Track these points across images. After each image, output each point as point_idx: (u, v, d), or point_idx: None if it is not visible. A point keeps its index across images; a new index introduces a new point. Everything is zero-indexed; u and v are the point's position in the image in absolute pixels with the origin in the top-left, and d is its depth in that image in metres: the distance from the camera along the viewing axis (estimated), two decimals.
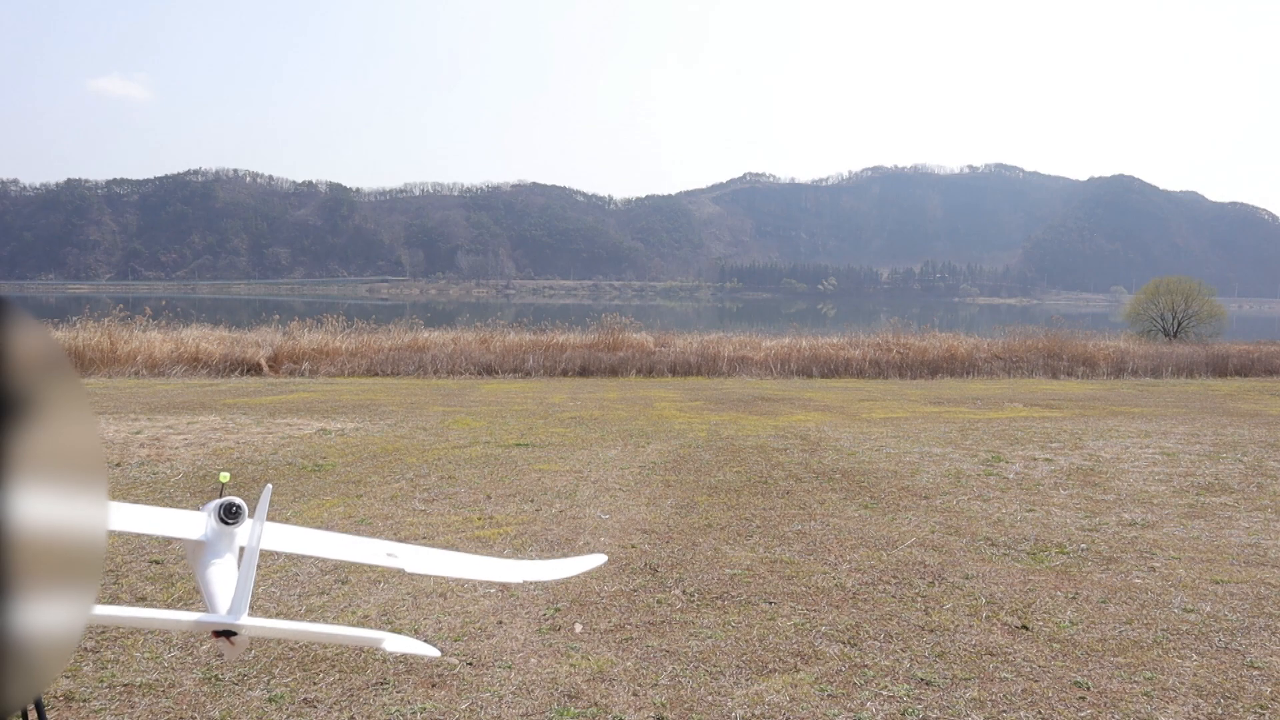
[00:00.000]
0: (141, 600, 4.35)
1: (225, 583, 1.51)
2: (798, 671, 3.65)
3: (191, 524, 1.73)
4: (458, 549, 5.28)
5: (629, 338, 21.25)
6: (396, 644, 1.48)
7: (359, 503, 6.35)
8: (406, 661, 3.70)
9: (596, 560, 2.09)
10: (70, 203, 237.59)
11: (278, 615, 4.18)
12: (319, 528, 5.63)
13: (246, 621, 1.31)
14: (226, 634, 1.30)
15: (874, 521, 6.07)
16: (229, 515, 1.66)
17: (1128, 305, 34.52)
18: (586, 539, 5.54)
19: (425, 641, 1.59)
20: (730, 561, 5.11)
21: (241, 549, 1.66)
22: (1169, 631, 4.10)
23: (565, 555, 5.22)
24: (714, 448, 8.91)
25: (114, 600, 4.33)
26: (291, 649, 3.79)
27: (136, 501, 6.26)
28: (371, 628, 1.44)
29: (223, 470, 2.02)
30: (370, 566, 4.91)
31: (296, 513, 6.05)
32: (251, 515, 1.72)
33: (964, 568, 5.04)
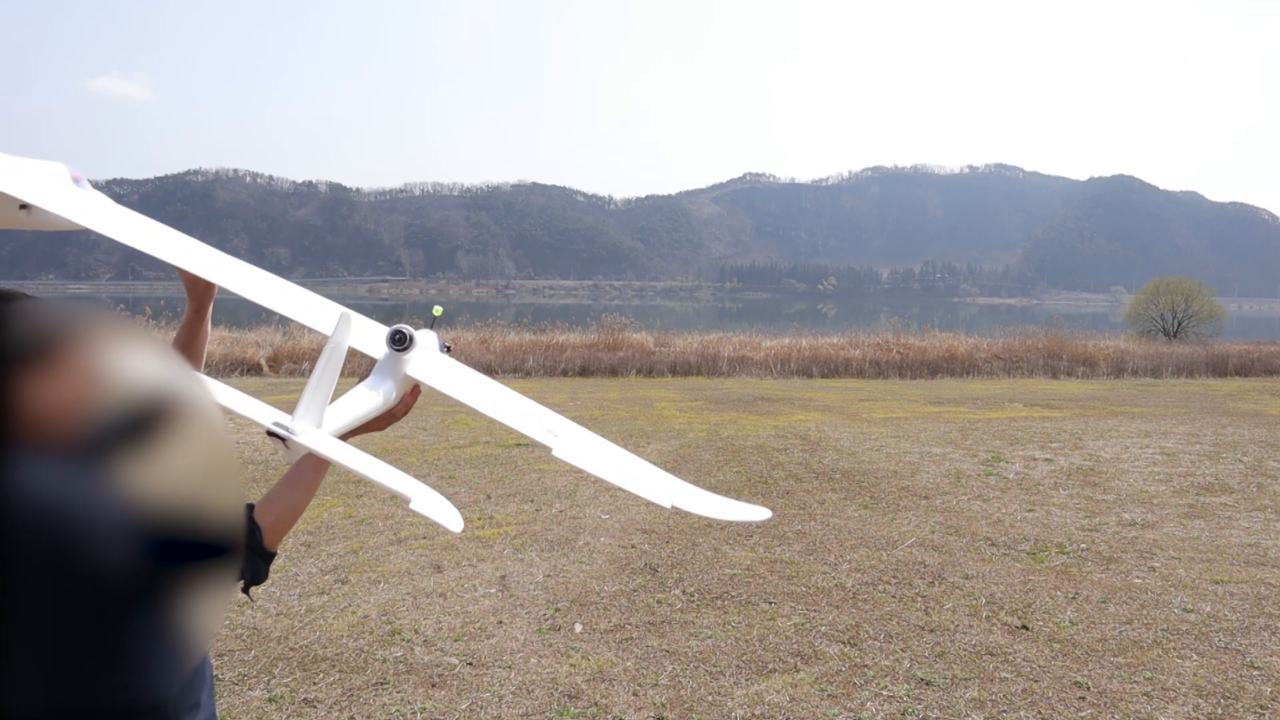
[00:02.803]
0: None
1: (346, 400, 1.47)
2: (798, 671, 3.65)
3: (373, 339, 1.67)
4: (459, 548, 5.28)
5: (629, 338, 21.24)
6: (423, 504, 1.34)
7: (359, 502, 6.35)
8: (406, 661, 3.70)
9: (759, 513, 1.75)
10: None
11: (278, 614, 4.18)
12: (317, 526, 5.65)
13: (299, 438, 1.27)
14: (280, 437, 1.28)
15: (874, 521, 6.07)
16: (395, 342, 1.59)
17: (1128, 305, 34.48)
18: (587, 539, 5.53)
19: (453, 510, 1.45)
20: (730, 561, 5.11)
21: (407, 379, 1.59)
22: (1169, 631, 4.10)
23: (568, 553, 5.22)
24: (714, 448, 8.91)
25: None
26: (292, 649, 3.80)
27: None
28: (410, 487, 1.23)
29: (436, 304, 1.86)
30: (370, 565, 4.93)
31: None
32: (423, 341, 1.63)
33: (964, 568, 5.04)
